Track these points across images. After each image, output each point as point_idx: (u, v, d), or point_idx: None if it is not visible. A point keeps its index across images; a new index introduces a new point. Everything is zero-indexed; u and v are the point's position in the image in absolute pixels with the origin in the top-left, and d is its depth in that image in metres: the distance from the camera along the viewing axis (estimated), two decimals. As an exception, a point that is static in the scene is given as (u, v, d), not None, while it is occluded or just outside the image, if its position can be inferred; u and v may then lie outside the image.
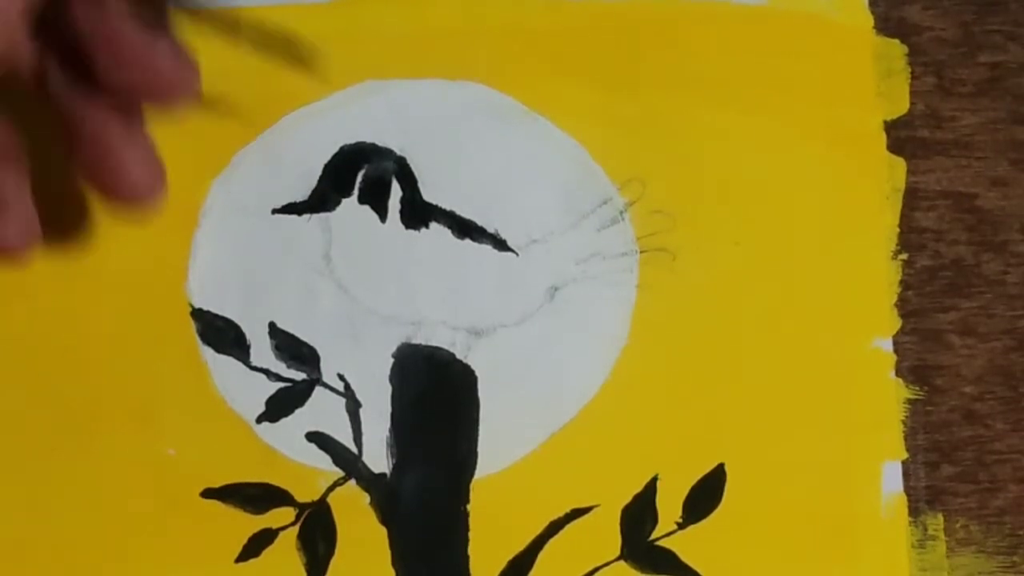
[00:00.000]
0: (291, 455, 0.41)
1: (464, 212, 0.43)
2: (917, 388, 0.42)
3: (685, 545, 0.40)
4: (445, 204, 0.43)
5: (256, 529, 0.40)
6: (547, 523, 0.40)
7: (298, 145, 0.44)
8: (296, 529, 0.40)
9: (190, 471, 0.41)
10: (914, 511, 0.41)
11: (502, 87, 0.44)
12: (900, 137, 0.44)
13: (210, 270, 0.42)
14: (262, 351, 0.42)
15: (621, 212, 0.43)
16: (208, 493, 0.40)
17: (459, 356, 0.42)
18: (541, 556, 0.40)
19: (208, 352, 0.42)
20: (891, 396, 0.42)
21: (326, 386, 0.42)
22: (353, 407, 0.41)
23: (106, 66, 0.36)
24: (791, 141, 0.44)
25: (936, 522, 0.41)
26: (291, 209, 0.43)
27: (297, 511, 0.41)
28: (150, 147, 0.38)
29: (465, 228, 0.43)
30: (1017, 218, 0.44)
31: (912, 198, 0.44)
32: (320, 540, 0.40)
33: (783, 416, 0.41)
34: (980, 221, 0.44)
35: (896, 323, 0.42)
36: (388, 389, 0.42)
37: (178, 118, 0.37)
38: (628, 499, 0.41)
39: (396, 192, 0.43)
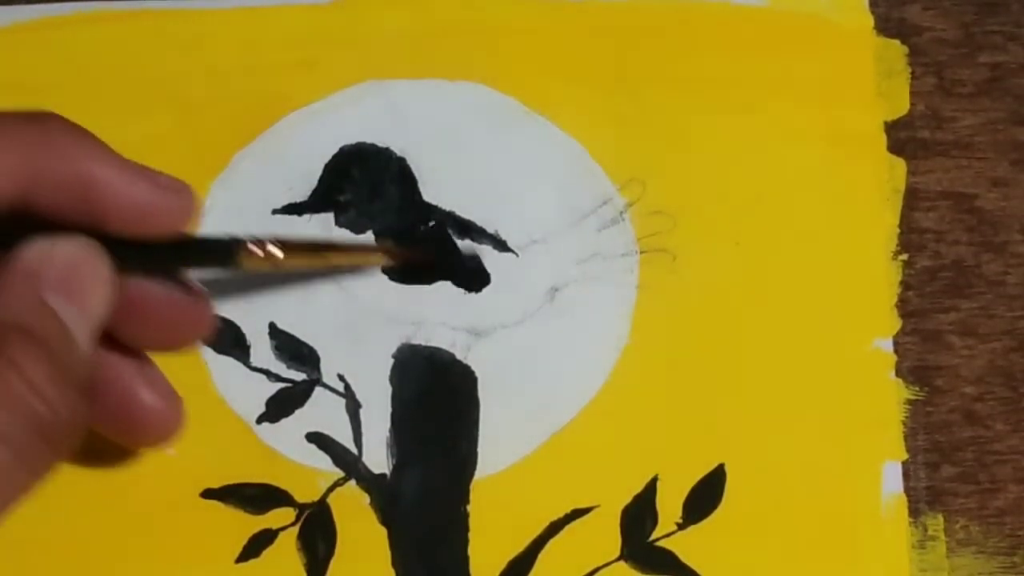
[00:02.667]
0: (291, 455, 0.41)
1: (464, 212, 0.43)
2: (917, 388, 0.42)
3: (685, 545, 0.40)
4: (445, 204, 0.43)
5: (256, 529, 0.40)
6: (547, 523, 0.40)
7: (298, 145, 0.43)
8: (296, 529, 0.40)
9: (190, 471, 0.41)
10: (914, 511, 0.41)
11: (502, 87, 0.44)
12: (900, 137, 0.44)
13: (210, 270, 0.42)
14: (262, 351, 0.42)
15: (621, 212, 0.43)
16: (208, 493, 0.40)
17: (459, 357, 0.42)
18: (541, 556, 0.40)
19: (208, 352, 0.42)
20: (891, 396, 0.42)
21: (326, 386, 0.42)
22: (353, 407, 0.41)
23: (127, 329, 0.36)
24: (791, 141, 0.44)
25: (936, 522, 0.41)
26: (291, 209, 0.43)
27: (297, 511, 0.40)
28: (164, 380, 0.38)
29: (465, 228, 0.43)
30: (1017, 219, 0.44)
31: (912, 198, 0.44)
32: (320, 540, 0.40)
33: (783, 416, 0.41)
34: (980, 222, 0.44)
35: (896, 323, 0.42)
36: (388, 389, 0.42)
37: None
38: (628, 499, 0.41)
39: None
